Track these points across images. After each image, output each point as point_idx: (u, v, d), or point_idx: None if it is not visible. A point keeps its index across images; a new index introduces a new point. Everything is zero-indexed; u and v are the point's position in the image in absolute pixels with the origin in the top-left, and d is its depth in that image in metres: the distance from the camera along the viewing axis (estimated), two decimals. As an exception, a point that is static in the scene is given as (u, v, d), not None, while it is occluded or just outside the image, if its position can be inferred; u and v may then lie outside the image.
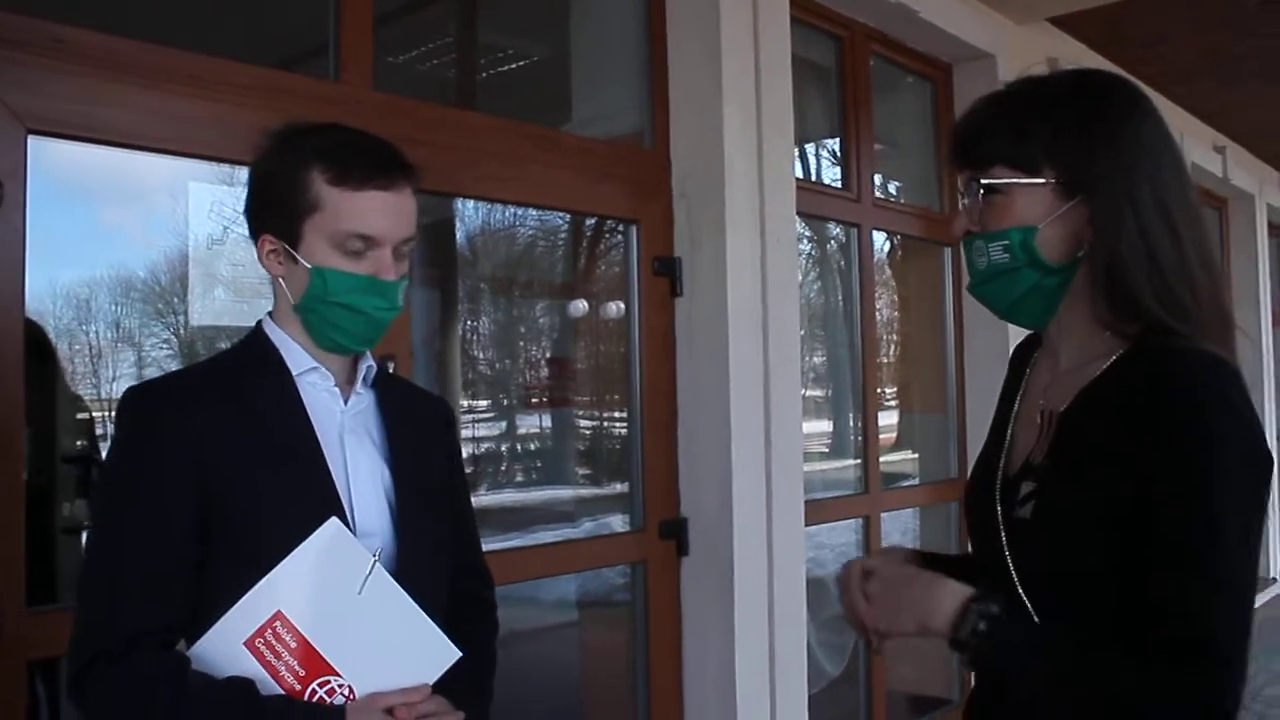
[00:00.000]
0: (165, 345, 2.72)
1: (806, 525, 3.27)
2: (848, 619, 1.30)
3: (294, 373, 1.38)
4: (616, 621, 3.25)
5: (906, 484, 4.41)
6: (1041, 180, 1.21)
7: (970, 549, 1.36)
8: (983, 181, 1.24)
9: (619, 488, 3.23)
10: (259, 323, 1.43)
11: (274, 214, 1.35)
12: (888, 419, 4.33)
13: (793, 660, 3.15)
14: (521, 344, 3.66)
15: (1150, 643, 1.08)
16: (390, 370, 2.00)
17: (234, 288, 2.31)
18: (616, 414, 3.32)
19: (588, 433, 3.49)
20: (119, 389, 2.63)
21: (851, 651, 3.91)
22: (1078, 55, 4.73)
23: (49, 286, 2.33)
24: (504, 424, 3.56)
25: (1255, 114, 6.07)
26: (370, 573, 1.26)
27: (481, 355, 3.62)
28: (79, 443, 2.49)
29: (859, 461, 3.92)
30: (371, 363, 1.45)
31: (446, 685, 1.32)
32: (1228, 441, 1.09)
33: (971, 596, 1.15)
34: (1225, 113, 5.97)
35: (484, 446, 3.65)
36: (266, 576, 1.24)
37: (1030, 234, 1.21)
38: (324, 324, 1.35)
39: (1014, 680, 1.17)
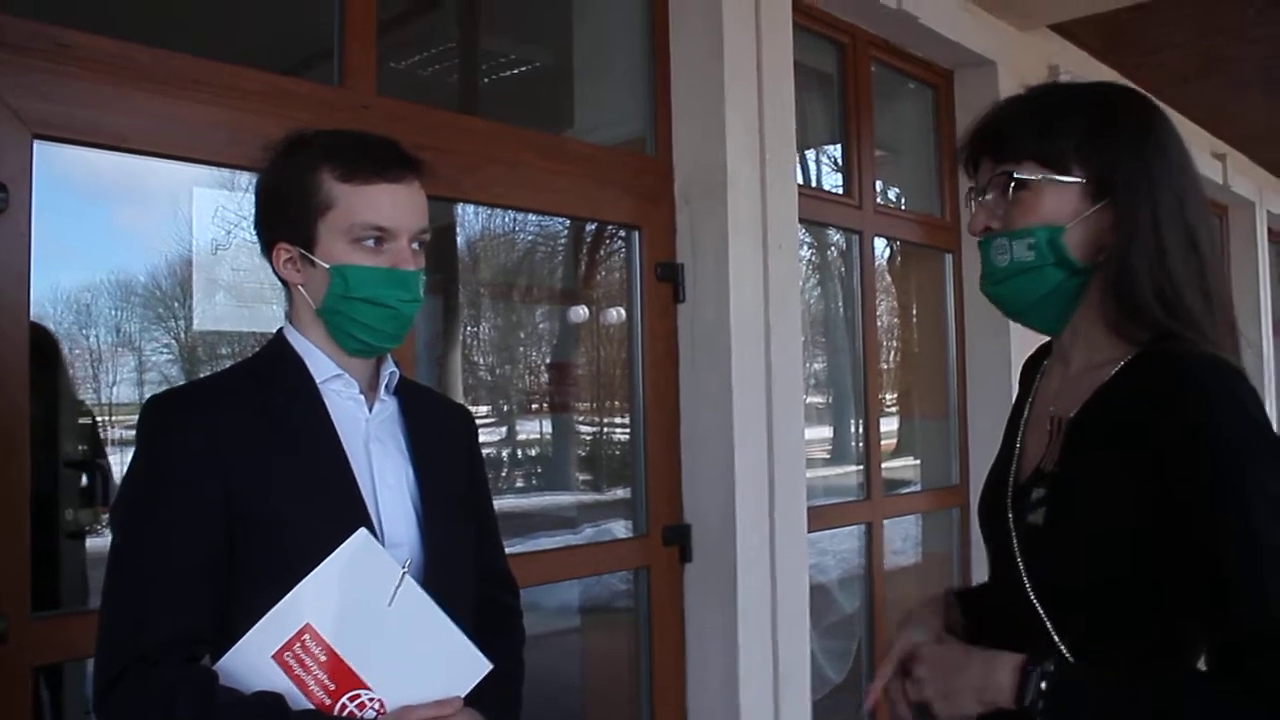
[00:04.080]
0: (166, 350, 2.71)
1: (809, 531, 3.27)
2: (901, 707, 1.27)
3: (317, 380, 1.37)
4: (619, 628, 3.24)
5: (908, 490, 4.40)
6: (1073, 179, 1.21)
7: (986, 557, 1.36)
8: (1015, 175, 1.22)
9: (621, 494, 3.22)
10: (280, 330, 1.42)
11: (287, 220, 1.35)
12: (889, 425, 4.33)
13: (796, 666, 3.14)
14: (523, 349, 3.66)
15: (1228, 644, 1.07)
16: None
17: (235, 293, 2.31)
18: (619, 420, 3.31)
19: (590, 438, 3.48)
20: (120, 394, 2.63)
21: (854, 658, 3.90)
22: (1078, 62, 4.75)
23: (52, 291, 2.32)
24: (505, 430, 3.55)
25: (1255, 121, 6.09)
26: (400, 584, 1.24)
27: (483, 361, 3.61)
28: (81, 448, 2.48)
29: (861, 468, 3.92)
30: (394, 369, 1.44)
31: (476, 696, 1.30)
32: (1242, 439, 1.08)
33: (1024, 662, 1.14)
34: (1225, 120, 5.99)
35: (486, 452, 3.64)
36: (294, 589, 1.22)
37: (1058, 233, 1.21)
38: (349, 323, 1.34)
39: None
